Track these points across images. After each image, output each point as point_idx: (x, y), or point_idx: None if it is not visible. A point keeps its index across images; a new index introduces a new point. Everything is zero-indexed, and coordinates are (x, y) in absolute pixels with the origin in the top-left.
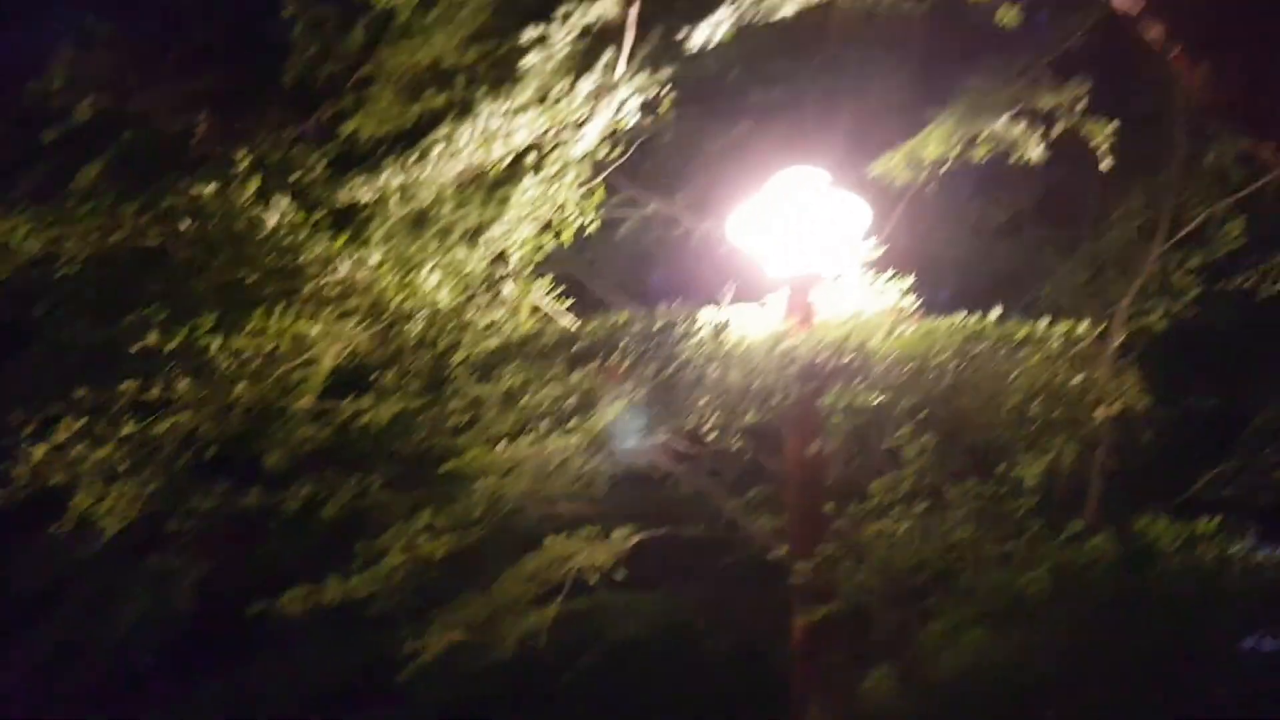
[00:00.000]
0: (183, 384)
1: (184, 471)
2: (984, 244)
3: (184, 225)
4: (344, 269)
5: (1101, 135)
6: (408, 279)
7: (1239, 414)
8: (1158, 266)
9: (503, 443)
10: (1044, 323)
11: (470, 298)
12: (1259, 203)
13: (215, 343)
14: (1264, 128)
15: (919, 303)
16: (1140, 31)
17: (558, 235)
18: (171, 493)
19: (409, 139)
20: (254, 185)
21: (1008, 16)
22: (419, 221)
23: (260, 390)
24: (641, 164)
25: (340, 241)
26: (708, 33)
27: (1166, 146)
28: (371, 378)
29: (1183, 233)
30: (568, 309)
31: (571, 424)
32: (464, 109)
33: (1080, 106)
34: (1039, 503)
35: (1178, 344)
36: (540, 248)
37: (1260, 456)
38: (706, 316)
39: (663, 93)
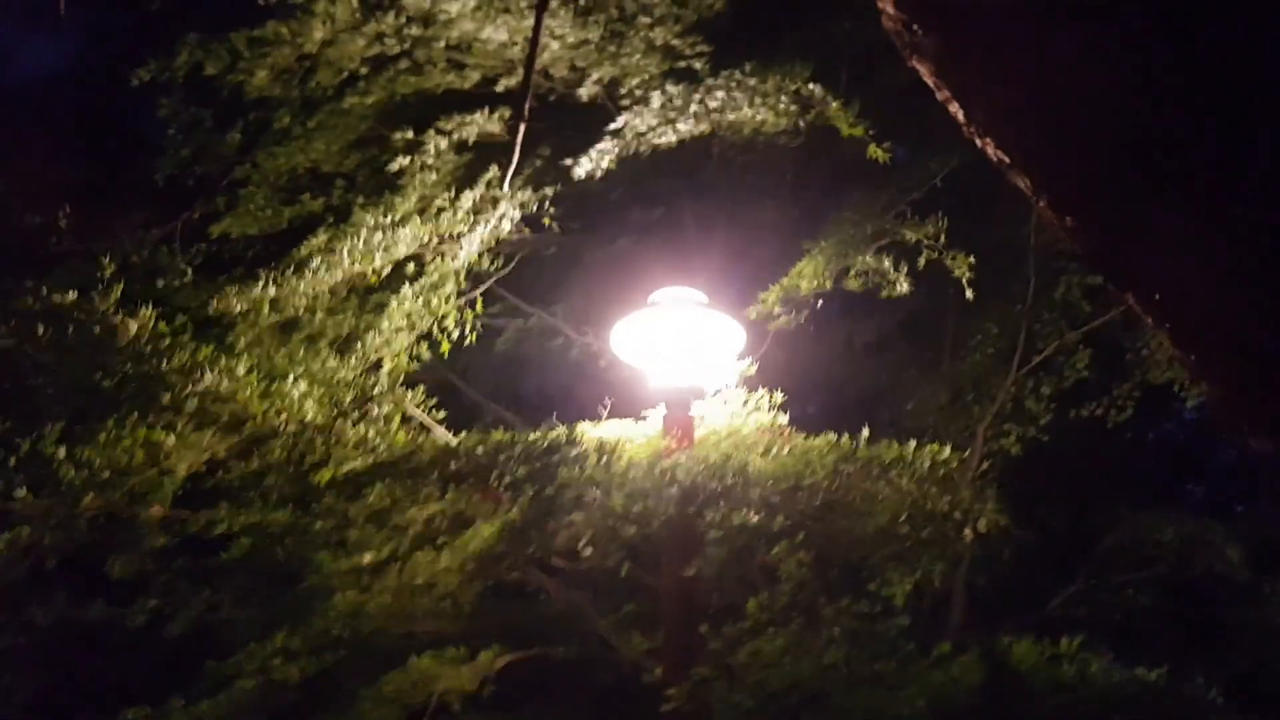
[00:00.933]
0: (24, 495)
1: (21, 582)
2: (851, 363)
3: (39, 329)
4: (206, 377)
5: (962, 267)
6: (272, 388)
7: (1090, 535)
8: (1012, 392)
9: (368, 561)
10: (912, 445)
11: (340, 413)
12: (1105, 335)
13: (61, 452)
14: (1125, 280)
15: (789, 419)
16: (1012, 180)
17: (434, 345)
18: (6, 604)
19: (281, 241)
20: (116, 293)
21: (877, 153)
22: (287, 327)
23: (108, 500)
24: (521, 275)
25: (205, 351)
26: (590, 166)
27: (1019, 279)
28: (230, 488)
29: (1035, 361)
30: (441, 419)
31: (442, 542)
32: (341, 215)
33: (942, 241)
34: (909, 623)
35: (1032, 466)
36: (416, 357)
37: (1110, 577)
38: (588, 436)
39: (546, 208)
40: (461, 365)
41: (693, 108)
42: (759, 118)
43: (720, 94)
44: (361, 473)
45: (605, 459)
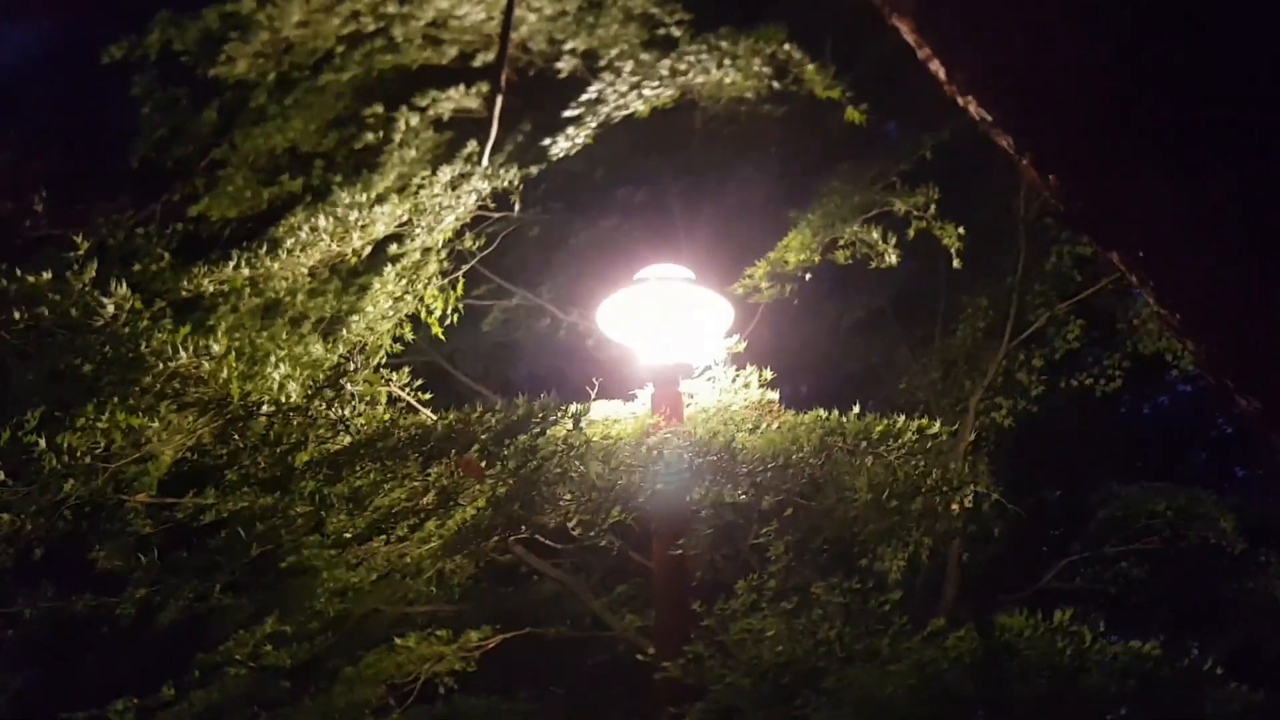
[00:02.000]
0: (2, 480)
1: (7, 574)
2: (842, 340)
3: (14, 314)
4: (185, 359)
5: (951, 236)
6: (253, 370)
7: (1083, 508)
8: (1003, 365)
9: (350, 536)
10: (900, 419)
11: (318, 391)
12: (1096, 306)
13: (41, 439)
14: (1109, 239)
15: (780, 397)
16: (994, 139)
17: (419, 327)
18: None
19: (261, 222)
20: (90, 272)
21: (855, 115)
22: (269, 310)
23: (91, 487)
24: (506, 256)
25: (183, 331)
26: (566, 144)
27: (1010, 252)
28: (216, 473)
29: (1025, 333)
30: (428, 402)
31: (428, 524)
32: (320, 194)
33: (931, 211)
34: (901, 596)
35: (1025, 439)
36: (400, 339)
37: (1103, 549)
38: (570, 409)
39: (526, 185)
40: (449, 350)
41: (661, 72)
42: (728, 80)
43: (690, 57)
44: (340, 453)
45: (578, 424)
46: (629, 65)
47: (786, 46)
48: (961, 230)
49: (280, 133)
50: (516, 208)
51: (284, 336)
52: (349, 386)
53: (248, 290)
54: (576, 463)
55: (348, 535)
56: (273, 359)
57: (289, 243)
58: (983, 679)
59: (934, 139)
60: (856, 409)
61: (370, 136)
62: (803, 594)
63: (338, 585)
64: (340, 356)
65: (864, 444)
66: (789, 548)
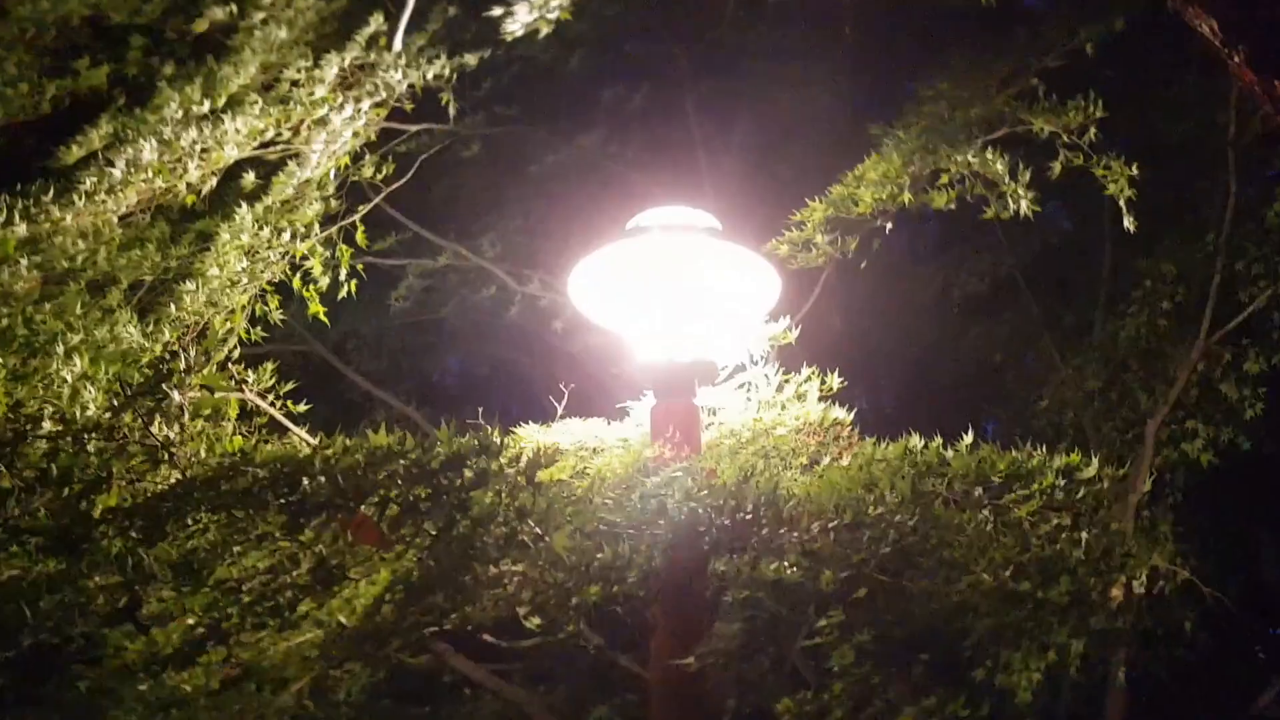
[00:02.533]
0: None
1: None
2: (947, 328)
3: None
4: None
5: (1119, 179)
6: (28, 367)
7: None
8: (1199, 370)
9: (183, 635)
10: (1038, 452)
11: (131, 398)
12: None
13: None
14: None
15: (852, 415)
16: (1190, 24)
17: (290, 299)
18: None
19: (44, 135)
20: None
21: None
22: (59, 275)
23: None
24: (429, 191)
25: None
26: (531, 16)
27: (1212, 195)
28: None
29: (1235, 321)
30: (303, 419)
31: (301, 607)
32: (138, 93)
33: (1090, 135)
34: None
35: (1232, 486)
36: (261, 319)
37: None
38: (524, 437)
39: (462, 81)
40: (339, 336)
41: None
42: None
43: None
44: (164, 496)
45: (529, 471)
46: None
47: None
48: (1135, 171)
49: None
50: (451, 112)
51: (78, 311)
52: (177, 394)
53: (25, 256)
54: (531, 524)
55: (175, 622)
56: (60, 348)
57: (89, 183)
58: None
59: (1098, 25)
60: (969, 437)
61: (218, 10)
62: None
63: (159, 698)
64: (166, 345)
65: (979, 491)
66: (862, 652)
